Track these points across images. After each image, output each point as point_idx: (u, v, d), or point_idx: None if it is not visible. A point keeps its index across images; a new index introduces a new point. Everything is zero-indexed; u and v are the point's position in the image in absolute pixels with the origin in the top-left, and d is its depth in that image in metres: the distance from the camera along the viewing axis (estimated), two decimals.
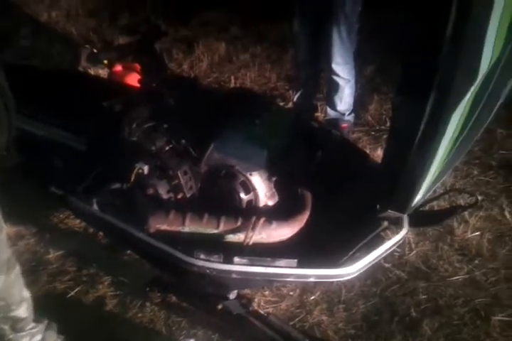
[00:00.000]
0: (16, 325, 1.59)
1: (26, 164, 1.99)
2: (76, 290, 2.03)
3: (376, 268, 1.94)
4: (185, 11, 4.50)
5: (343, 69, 2.48)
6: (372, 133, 2.78)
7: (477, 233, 2.12)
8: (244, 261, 1.54)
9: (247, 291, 1.91)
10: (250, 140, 1.76)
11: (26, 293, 1.61)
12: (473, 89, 1.05)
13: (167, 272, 1.78)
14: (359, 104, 2.92)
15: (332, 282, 1.72)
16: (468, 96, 1.06)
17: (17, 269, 1.56)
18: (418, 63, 1.16)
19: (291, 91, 3.12)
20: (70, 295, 2.01)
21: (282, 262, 1.54)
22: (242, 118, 1.82)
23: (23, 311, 1.59)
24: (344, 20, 2.30)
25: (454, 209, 2.01)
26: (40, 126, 2.01)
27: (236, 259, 1.53)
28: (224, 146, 1.76)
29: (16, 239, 2.24)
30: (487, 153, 2.58)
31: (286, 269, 1.53)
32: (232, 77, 3.40)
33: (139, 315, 1.91)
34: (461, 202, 2.21)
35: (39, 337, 1.67)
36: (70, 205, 1.93)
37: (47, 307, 1.75)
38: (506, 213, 2.20)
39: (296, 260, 1.53)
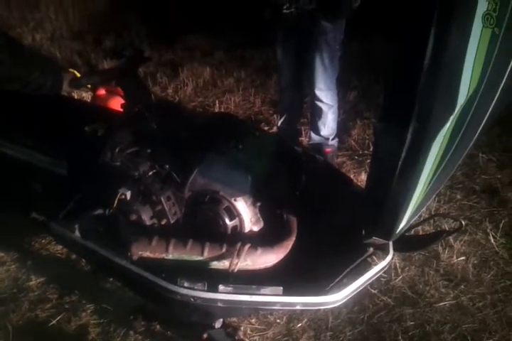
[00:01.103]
0: None
1: (6, 189, 1.97)
2: (58, 318, 1.97)
3: (363, 294, 1.93)
4: (169, 35, 4.57)
5: (326, 95, 2.51)
6: (356, 157, 2.81)
7: (462, 258, 2.12)
8: (229, 289, 1.51)
9: (233, 319, 1.87)
10: (234, 165, 1.76)
11: None
12: (452, 118, 1.07)
13: (150, 300, 1.74)
14: (343, 129, 2.96)
15: (319, 309, 1.69)
16: (448, 125, 1.08)
17: None
18: (398, 92, 1.18)
19: (275, 116, 3.15)
20: (51, 323, 1.96)
21: (268, 290, 1.52)
22: (225, 143, 1.82)
23: None
24: (327, 48, 2.34)
25: (439, 234, 2.02)
26: (21, 150, 1.99)
27: (221, 287, 1.51)
28: (208, 171, 1.75)
29: None
30: (470, 178, 2.62)
31: (272, 297, 1.51)
32: (217, 101, 3.43)
33: None
34: (446, 226, 2.23)
35: None
36: (52, 231, 1.90)
37: (28, 335, 1.69)
38: (490, 237, 2.22)
39: (281, 287, 1.51)
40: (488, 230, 2.25)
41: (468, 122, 1.15)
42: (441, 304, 1.94)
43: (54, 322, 1.96)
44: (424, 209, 1.39)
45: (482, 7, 1.00)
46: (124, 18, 4.95)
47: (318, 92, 2.51)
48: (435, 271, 2.07)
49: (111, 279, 1.93)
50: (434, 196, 1.36)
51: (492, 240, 2.21)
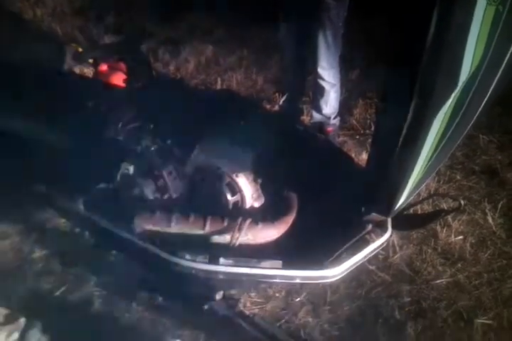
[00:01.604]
0: None
1: (10, 163, 1.98)
2: (62, 289, 2.01)
3: (361, 270, 1.97)
4: (170, 12, 4.50)
5: (328, 74, 2.50)
6: (357, 137, 2.81)
7: (460, 237, 2.15)
8: (230, 261, 1.54)
9: (233, 292, 1.91)
10: (236, 142, 1.77)
11: None
12: (454, 95, 1.08)
13: (153, 272, 1.78)
14: (345, 109, 2.95)
15: (317, 284, 1.73)
16: (450, 101, 1.08)
17: None
18: (401, 69, 1.19)
19: (277, 94, 3.14)
20: (55, 294, 2.00)
21: (268, 263, 1.55)
22: (228, 119, 1.83)
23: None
24: (330, 25, 2.32)
25: (438, 213, 2.05)
26: (26, 124, 1.99)
27: (222, 260, 1.54)
28: (210, 147, 1.77)
29: (0, 238, 2.22)
30: (470, 159, 2.63)
31: (272, 270, 1.54)
32: (219, 79, 3.40)
33: (126, 315, 1.91)
34: (445, 206, 2.25)
35: (16, 334, 1.65)
36: (55, 205, 1.93)
37: (32, 306, 1.73)
38: (489, 217, 2.24)
39: (281, 261, 1.55)
40: (487, 210, 2.28)
41: (469, 99, 1.15)
42: (438, 281, 1.98)
43: (58, 293, 2.00)
44: (423, 186, 1.41)
45: None
46: None
47: (320, 71, 2.50)
48: (433, 249, 2.11)
49: (113, 252, 1.96)
50: (433, 174, 1.38)
51: (490, 220, 2.23)
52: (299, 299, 1.93)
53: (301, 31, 2.47)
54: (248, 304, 1.90)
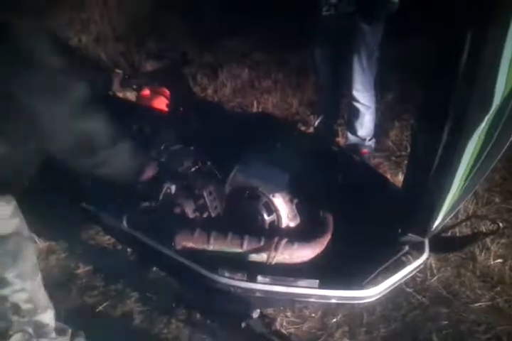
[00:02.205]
0: (39, 329, 1.62)
1: (58, 181, 2.10)
2: (104, 304, 2.08)
3: (398, 292, 1.96)
4: (209, 37, 4.68)
5: (363, 96, 2.55)
6: (393, 158, 2.82)
7: (499, 260, 2.11)
8: (267, 280, 1.58)
9: (269, 311, 1.93)
10: (273, 163, 1.83)
11: (49, 302, 1.65)
12: (487, 119, 1.10)
13: (192, 289, 1.83)
14: (380, 130, 2.97)
15: (353, 305, 1.73)
16: (483, 125, 1.11)
17: (39, 276, 1.61)
18: (435, 92, 1.22)
19: (312, 117, 3.20)
20: (98, 309, 2.07)
21: (304, 282, 1.57)
22: (264, 141, 1.90)
23: (47, 317, 1.63)
24: (365, 49, 2.38)
25: (476, 236, 2.03)
26: None
27: (259, 278, 1.58)
28: (247, 169, 1.83)
29: (47, 254, 2.34)
30: (508, 181, 2.59)
31: (308, 289, 1.56)
32: (255, 102, 3.50)
33: (165, 331, 1.96)
34: (483, 229, 2.22)
35: None
36: (101, 222, 2.02)
37: (76, 320, 1.81)
38: None
39: (317, 280, 1.57)
40: None
41: (504, 122, 1.18)
42: (476, 305, 1.94)
43: (101, 308, 2.07)
44: (459, 208, 1.41)
45: None
46: (166, 21, 5.10)
47: (355, 93, 2.55)
48: (471, 272, 2.08)
49: (154, 269, 2.03)
50: (470, 195, 1.39)
51: None
52: (335, 320, 1.94)
53: (336, 55, 2.54)
54: (284, 323, 1.92)
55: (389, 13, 2.31)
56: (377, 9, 2.30)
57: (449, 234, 2.11)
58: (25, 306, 1.54)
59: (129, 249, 2.18)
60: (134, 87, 2.05)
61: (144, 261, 2.00)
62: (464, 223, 2.14)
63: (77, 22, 5.20)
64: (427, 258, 1.71)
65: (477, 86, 1.09)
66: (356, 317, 1.93)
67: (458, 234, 2.18)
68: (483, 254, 2.13)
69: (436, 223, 1.41)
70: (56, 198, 2.15)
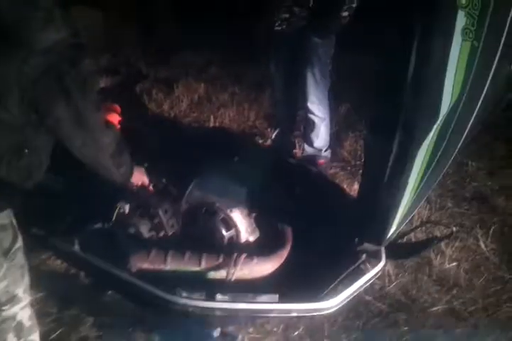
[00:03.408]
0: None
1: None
2: (58, 332, 1.97)
3: (358, 301, 1.96)
4: (164, 51, 4.64)
5: (318, 108, 2.58)
6: (349, 168, 2.86)
7: (454, 263, 2.16)
8: (227, 297, 1.55)
9: (231, 328, 1.89)
10: (230, 177, 1.82)
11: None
12: (436, 127, 1.13)
13: (150, 311, 1.77)
14: (335, 141, 3.01)
15: (314, 316, 1.72)
16: (432, 134, 1.14)
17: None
18: (384, 104, 1.25)
19: (269, 129, 3.21)
20: (51, 337, 1.96)
21: (264, 297, 1.56)
22: (221, 156, 1.89)
23: (37, 337, 1.54)
24: (317, 62, 2.42)
25: (431, 241, 2.08)
26: None
27: (218, 296, 1.55)
28: (204, 184, 1.81)
29: None
30: (460, 186, 2.68)
31: (269, 305, 1.55)
32: (212, 116, 3.48)
33: None
34: (438, 233, 2.27)
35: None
36: (51, 246, 1.94)
37: None
38: (481, 243, 2.26)
39: (277, 295, 1.55)
40: (479, 236, 2.30)
41: (451, 131, 1.21)
42: (434, 309, 1.97)
43: (54, 336, 1.96)
44: (413, 214, 1.44)
45: (461, 22, 1.07)
46: (119, 36, 5.03)
47: (310, 105, 2.58)
48: (428, 276, 2.11)
49: (109, 292, 1.95)
50: (422, 202, 1.42)
51: (483, 246, 2.25)
52: (297, 333, 1.91)
53: (291, 68, 2.57)
54: (246, 340, 1.87)
55: (339, 28, 2.36)
56: (329, 23, 2.35)
57: (405, 240, 2.16)
58: (27, 323, 1.45)
59: (82, 273, 2.09)
60: None
61: (99, 285, 1.92)
62: (418, 229, 2.18)
63: None
64: (384, 266, 1.74)
65: (424, 97, 1.13)
66: (318, 329, 1.92)
67: (413, 240, 2.23)
68: (438, 258, 2.17)
69: (391, 231, 1.43)
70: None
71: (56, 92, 1.21)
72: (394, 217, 1.34)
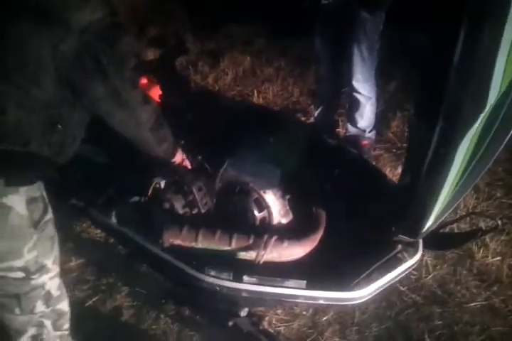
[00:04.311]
0: (59, 319, 1.55)
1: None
2: (94, 299, 2.07)
3: (391, 291, 1.92)
4: (212, 23, 4.57)
5: (364, 87, 2.47)
6: (394, 150, 2.74)
7: (498, 258, 2.06)
8: (254, 280, 1.54)
9: (259, 309, 1.91)
10: (265, 158, 1.78)
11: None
12: (481, 119, 1.04)
13: (179, 286, 1.80)
14: (381, 121, 2.90)
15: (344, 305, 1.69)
16: (477, 125, 1.04)
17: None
18: (429, 88, 1.15)
19: (313, 106, 3.12)
20: (88, 303, 2.06)
21: (291, 282, 1.53)
22: (257, 136, 1.84)
23: (66, 305, 1.58)
24: (365, 39, 2.29)
25: (474, 233, 1.96)
26: None
27: (245, 278, 1.54)
28: (239, 164, 1.78)
29: None
30: (511, 175, 2.51)
31: (295, 290, 1.53)
32: (255, 91, 3.43)
33: (153, 326, 1.94)
34: (483, 225, 2.16)
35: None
36: (90, 217, 1.99)
37: None
38: None
39: (305, 281, 1.53)
40: None
41: (499, 122, 1.11)
42: (471, 305, 1.89)
43: (90, 302, 2.06)
44: (452, 208, 1.35)
45: None
46: (169, 8, 4.99)
47: (356, 84, 2.47)
48: (468, 270, 2.03)
49: (144, 264, 2.00)
50: (464, 195, 1.33)
51: None
52: (326, 318, 1.90)
53: (337, 44, 2.46)
54: (274, 321, 1.89)
55: (389, 2, 2.22)
56: None
57: (448, 230, 2.07)
58: (56, 293, 1.50)
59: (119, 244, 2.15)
60: None
61: (134, 258, 1.97)
62: (462, 219, 2.08)
63: None
64: (421, 258, 1.67)
65: (471, 84, 1.03)
66: (348, 316, 1.90)
67: (456, 230, 2.13)
68: (481, 252, 2.08)
69: (428, 224, 1.35)
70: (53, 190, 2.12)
71: (93, 72, 1.21)
72: (431, 210, 1.26)
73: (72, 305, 2.02)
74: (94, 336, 1.86)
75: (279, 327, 1.87)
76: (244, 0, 4.49)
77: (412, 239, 1.47)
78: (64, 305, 1.56)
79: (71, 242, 2.33)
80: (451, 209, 1.35)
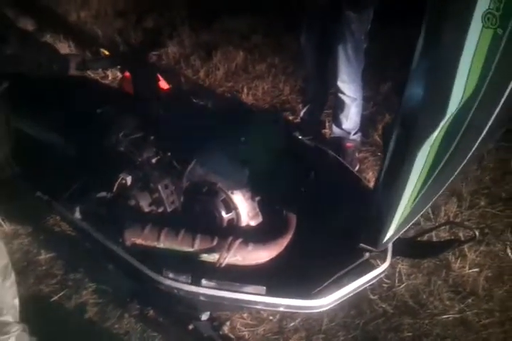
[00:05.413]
0: (2, 329, 1.58)
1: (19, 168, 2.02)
2: (60, 294, 2.03)
3: (362, 299, 1.87)
4: (210, 15, 4.50)
5: (349, 88, 2.40)
6: (379, 154, 2.66)
7: (475, 269, 1.99)
8: (212, 284, 1.49)
9: (225, 312, 1.85)
10: (235, 157, 1.72)
11: (17, 301, 1.62)
12: (442, 127, 0.97)
13: (141, 287, 1.76)
14: (370, 123, 2.82)
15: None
16: (436, 134, 0.98)
17: (13, 277, 1.59)
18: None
19: (301, 105, 3.05)
20: (53, 299, 2.02)
21: (251, 288, 1.48)
22: (229, 134, 1.78)
23: (11, 317, 1.59)
24: (351, 38, 2.22)
25: (451, 243, 1.90)
26: (33, 129, 2.03)
27: (204, 281, 1.49)
28: (207, 162, 1.72)
29: (11, 238, 2.27)
30: (497, 184, 2.43)
31: (254, 296, 1.47)
32: (245, 88, 3.36)
33: (116, 325, 1.89)
34: (462, 234, 2.09)
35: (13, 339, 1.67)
36: (55, 211, 1.95)
37: (29, 309, 1.75)
38: (508, 250, 2.06)
39: (265, 287, 1.47)
40: (509, 242, 2.09)
41: (464, 131, 1.04)
42: (443, 317, 1.83)
43: (56, 297, 2.02)
44: (415, 219, 1.29)
45: (483, 5, 0.89)
46: None
47: (341, 84, 2.40)
48: (443, 281, 1.96)
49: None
50: (427, 207, 1.26)
51: (510, 253, 2.05)
52: (293, 324, 1.85)
53: (323, 43, 2.39)
54: (239, 326, 1.83)
55: (376, 1, 2.14)
56: None
57: (426, 238, 2.01)
58: None
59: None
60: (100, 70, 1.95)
61: (97, 255, 1.92)
62: (439, 228, 2.01)
63: None
64: (389, 267, 1.61)
65: (430, 89, 0.96)
66: (316, 323, 1.84)
67: (435, 239, 2.07)
68: (458, 262, 2.01)
69: (389, 234, 1.29)
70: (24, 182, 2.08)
71: None
72: (391, 221, 1.20)
73: (38, 299, 2.01)
74: (56, 332, 1.82)
75: (243, 331, 1.82)
76: None
77: (371, 248, 1.41)
78: (8, 318, 1.59)
79: (43, 235, 2.29)
80: (415, 220, 1.29)
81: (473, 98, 0.98)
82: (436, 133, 0.98)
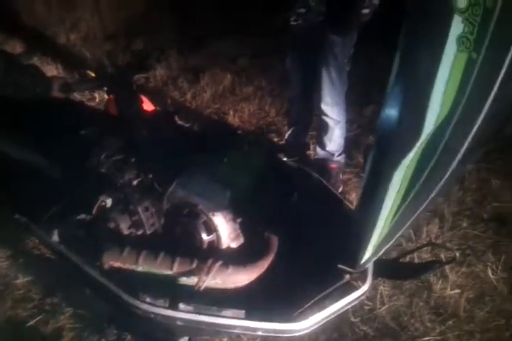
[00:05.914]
0: None
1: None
2: (37, 319, 1.99)
3: (343, 321, 1.85)
4: (198, 39, 4.58)
5: (332, 110, 2.43)
6: (363, 175, 2.68)
7: (457, 291, 1.98)
8: (190, 308, 1.47)
9: (202, 337, 1.82)
10: (216, 178, 1.72)
11: None
12: (417, 148, 0.98)
13: (118, 311, 1.72)
14: (353, 145, 2.85)
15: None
16: (412, 155, 0.99)
17: None
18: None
19: (286, 127, 3.08)
20: (30, 323, 1.97)
21: (229, 312, 1.46)
22: (210, 155, 1.79)
23: None
24: (334, 62, 2.26)
25: (432, 264, 1.90)
26: (14, 150, 2.02)
27: (181, 306, 1.47)
28: (188, 183, 1.72)
29: None
30: (479, 204, 2.45)
31: (233, 320, 1.45)
32: (232, 110, 3.39)
33: None
34: (443, 255, 2.09)
35: None
36: (35, 234, 1.92)
37: (5, 334, 1.70)
38: (489, 271, 2.06)
39: (243, 311, 1.45)
40: (490, 263, 2.10)
41: (440, 153, 1.05)
42: (424, 339, 1.81)
43: (32, 322, 1.97)
44: (393, 240, 1.29)
45: (457, 29, 0.91)
46: (156, 21, 5.00)
47: (324, 107, 2.43)
48: (425, 302, 1.95)
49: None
50: (405, 227, 1.26)
51: (491, 274, 2.05)
52: None
53: (307, 66, 2.43)
54: None
55: (359, 24, 2.19)
56: (348, 20, 2.18)
57: (407, 259, 2.01)
58: None
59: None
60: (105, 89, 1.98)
61: (75, 279, 1.89)
62: (420, 249, 2.01)
63: (68, 20, 5.12)
64: (369, 289, 1.60)
65: (405, 110, 0.98)
66: None
67: (417, 260, 2.07)
68: (439, 283, 2.00)
69: (367, 256, 1.29)
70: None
71: None
72: (368, 242, 1.20)
73: (14, 324, 1.96)
74: None
75: None
76: (231, 18, 4.51)
77: (350, 270, 1.40)
78: None
79: (22, 258, 2.25)
80: (394, 241, 1.29)
81: (448, 120, 0.99)
82: (412, 155, 0.99)
